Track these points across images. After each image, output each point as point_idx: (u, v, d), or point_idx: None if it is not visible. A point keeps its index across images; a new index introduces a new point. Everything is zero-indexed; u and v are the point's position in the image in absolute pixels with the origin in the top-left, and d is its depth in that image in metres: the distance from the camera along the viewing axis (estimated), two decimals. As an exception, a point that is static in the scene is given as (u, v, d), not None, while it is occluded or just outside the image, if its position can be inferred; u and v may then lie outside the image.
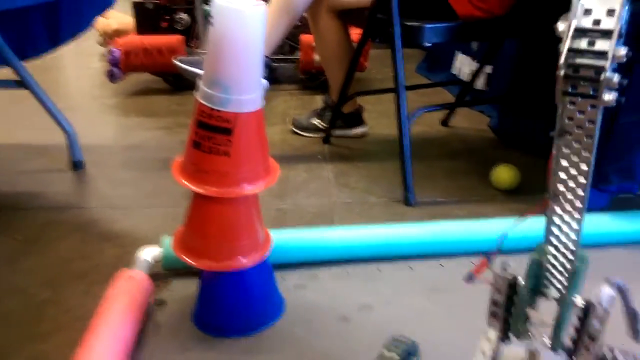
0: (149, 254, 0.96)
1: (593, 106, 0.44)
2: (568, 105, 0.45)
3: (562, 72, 0.44)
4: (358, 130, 1.72)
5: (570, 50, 0.43)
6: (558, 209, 0.49)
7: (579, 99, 0.44)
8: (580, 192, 0.48)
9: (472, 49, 2.03)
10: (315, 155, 1.59)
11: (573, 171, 0.47)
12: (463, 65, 2.08)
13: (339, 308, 0.90)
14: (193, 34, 2.28)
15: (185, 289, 0.94)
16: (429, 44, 1.39)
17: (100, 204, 1.30)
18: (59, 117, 1.49)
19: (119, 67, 2.10)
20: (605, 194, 1.09)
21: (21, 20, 1.51)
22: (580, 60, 0.43)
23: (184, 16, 2.23)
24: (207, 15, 2.25)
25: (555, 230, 0.50)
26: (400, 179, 1.29)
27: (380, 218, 1.21)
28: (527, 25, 1.33)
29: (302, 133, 1.75)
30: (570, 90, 0.44)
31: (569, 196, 0.48)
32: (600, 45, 0.42)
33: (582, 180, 0.47)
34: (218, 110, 0.76)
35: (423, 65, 2.44)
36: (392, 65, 1.26)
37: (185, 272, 0.96)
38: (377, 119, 1.87)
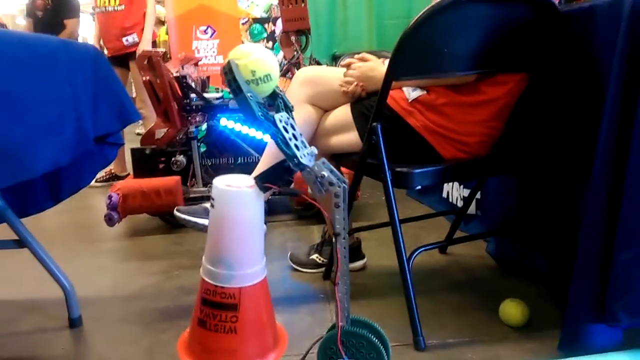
0: None
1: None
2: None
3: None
4: (357, 264, 1.72)
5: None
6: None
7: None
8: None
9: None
10: (317, 294, 1.57)
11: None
12: (452, 189, 2.16)
13: None
14: (190, 173, 2.36)
15: None
16: (419, 187, 1.46)
17: (98, 369, 1.24)
18: (56, 272, 1.47)
19: (118, 211, 2.13)
20: (618, 329, 1.07)
21: (24, 182, 1.56)
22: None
23: (179, 158, 2.33)
24: None
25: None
26: (406, 317, 1.27)
27: (391, 366, 1.17)
28: (509, 163, 1.41)
29: (301, 269, 1.74)
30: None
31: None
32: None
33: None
34: (222, 287, 0.77)
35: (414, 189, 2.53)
36: (387, 206, 1.30)
37: None
38: (375, 248, 1.88)
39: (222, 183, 0.75)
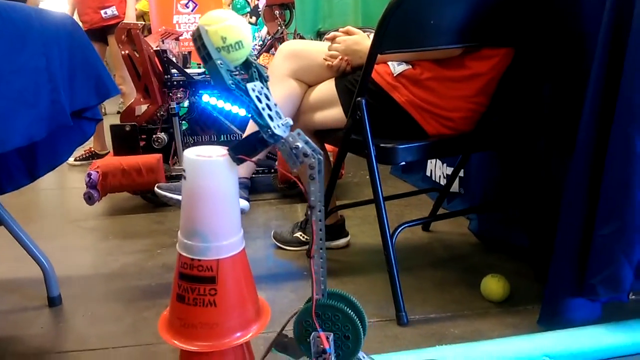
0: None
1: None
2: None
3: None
4: (341, 242, 1.71)
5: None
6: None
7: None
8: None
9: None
10: (300, 272, 1.57)
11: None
12: (435, 167, 2.16)
13: None
14: (172, 151, 2.32)
15: None
16: (403, 163, 1.45)
17: (78, 347, 1.23)
18: (35, 251, 1.44)
19: (97, 189, 2.09)
20: (597, 303, 1.09)
21: (-2, 157, 1.52)
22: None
23: (161, 135, 2.29)
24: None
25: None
26: (389, 294, 1.27)
27: (374, 341, 1.17)
28: (493, 139, 1.41)
29: (285, 247, 1.74)
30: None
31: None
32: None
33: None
34: (199, 260, 0.76)
35: (397, 167, 2.52)
36: (370, 181, 1.29)
37: None
38: (359, 226, 1.88)
39: (192, 153, 0.73)
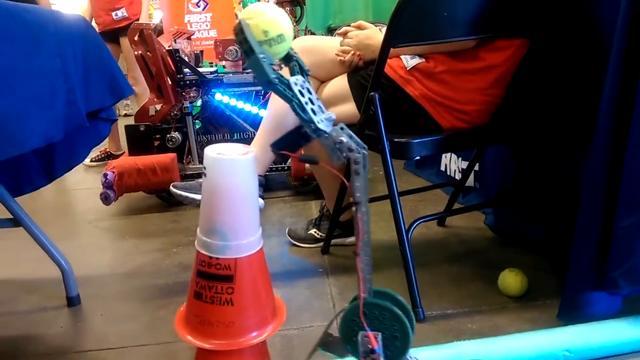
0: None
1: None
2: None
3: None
4: (356, 238, 1.70)
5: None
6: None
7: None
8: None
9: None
10: (315, 269, 1.57)
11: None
12: (450, 162, 2.14)
13: None
14: (186, 150, 2.34)
15: None
16: (418, 157, 1.44)
17: (97, 346, 1.24)
18: (54, 252, 1.46)
19: (113, 189, 2.11)
20: (617, 296, 1.07)
21: (16, 158, 1.54)
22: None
23: (175, 134, 2.30)
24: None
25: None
26: (405, 290, 1.26)
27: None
28: (508, 132, 1.39)
29: (299, 244, 1.73)
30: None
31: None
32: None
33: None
34: (217, 258, 0.76)
35: (411, 162, 2.51)
36: (385, 177, 1.28)
37: None
38: (374, 222, 1.85)
39: (214, 151, 0.73)
